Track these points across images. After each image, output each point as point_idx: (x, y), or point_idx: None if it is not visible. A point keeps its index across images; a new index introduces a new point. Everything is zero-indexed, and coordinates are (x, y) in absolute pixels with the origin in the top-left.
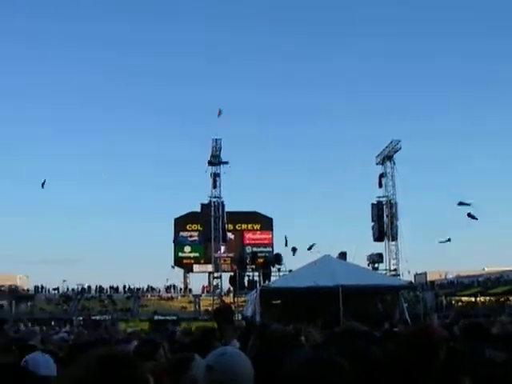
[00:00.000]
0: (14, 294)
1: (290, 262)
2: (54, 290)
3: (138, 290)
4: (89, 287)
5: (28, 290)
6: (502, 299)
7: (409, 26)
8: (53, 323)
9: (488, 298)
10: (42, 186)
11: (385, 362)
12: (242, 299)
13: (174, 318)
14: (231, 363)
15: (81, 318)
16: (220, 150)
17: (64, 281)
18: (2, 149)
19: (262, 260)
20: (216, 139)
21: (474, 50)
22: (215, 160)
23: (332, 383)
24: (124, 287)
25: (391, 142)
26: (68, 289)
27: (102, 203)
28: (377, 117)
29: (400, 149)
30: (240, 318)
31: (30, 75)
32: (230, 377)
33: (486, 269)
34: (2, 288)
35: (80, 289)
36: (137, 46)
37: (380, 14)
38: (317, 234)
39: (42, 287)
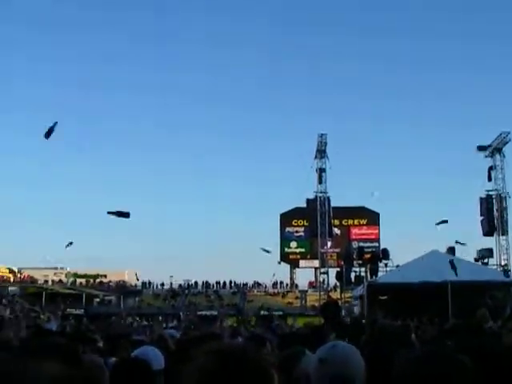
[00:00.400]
0: (122, 289)
1: (398, 257)
2: (161, 285)
3: (245, 285)
4: (195, 283)
5: (136, 286)
6: None
7: None
8: (160, 318)
9: None
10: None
11: (504, 356)
12: (349, 295)
13: (280, 313)
14: (344, 355)
15: (188, 314)
16: (325, 145)
17: (171, 276)
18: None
19: (368, 255)
20: (322, 134)
21: None
22: (321, 155)
23: (455, 380)
24: (230, 283)
25: (500, 134)
26: (172, 284)
27: (209, 199)
28: (485, 107)
29: (510, 141)
30: (346, 313)
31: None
32: (343, 369)
33: None
34: (111, 283)
35: (187, 284)
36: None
37: None
38: (424, 228)
39: (150, 283)
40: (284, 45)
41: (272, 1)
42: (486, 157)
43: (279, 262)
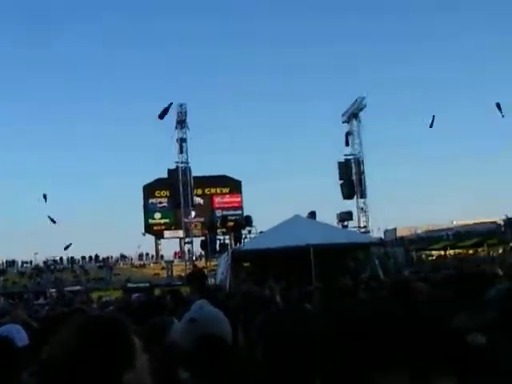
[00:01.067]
0: None
1: (261, 224)
2: (26, 263)
3: (110, 258)
4: (61, 258)
5: None
6: (472, 251)
7: None
8: (26, 296)
9: (458, 250)
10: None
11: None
12: (214, 263)
13: (147, 285)
14: (212, 315)
15: (54, 290)
16: (186, 115)
17: (36, 253)
18: None
19: (232, 223)
20: (181, 104)
21: None
22: (181, 125)
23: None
24: (96, 257)
25: (356, 100)
26: (32, 262)
27: (68, 172)
28: (342, 73)
29: (365, 106)
30: (213, 281)
31: None
32: (213, 329)
33: (454, 222)
34: None
35: (52, 260)
36: None
37: None
38: (285, 194)
39: (14, 261)
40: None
41: None
42: (344, 122)
43: (144, 234)
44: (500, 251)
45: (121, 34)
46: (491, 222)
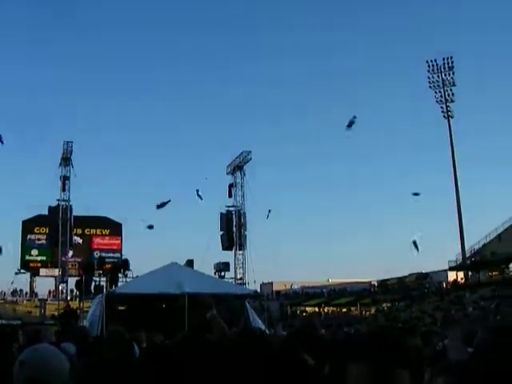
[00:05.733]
0: None
1: (139, 268)
2: None
3: None
4: None
5: None
6: (345, 309)
7: None
8: None
9: (332, 308)
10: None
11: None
12: (88, 304)
13: (19, 322)
14: (43, 359)
15: None
16: (71, 153)
17: None
18: None
19: (109, 265)
20: (67, 142)
21: None
22: (65, 162)
23: None
24: None
25: (242, 153)
26: None
27: None
28: (228, 126)
29: (250, 160)
30: (85, 322)
31: None
32: (43, 373)
33: (330, 280)
34: None
35: None
36: None
37: None
38: (165, 241)
39: None
40: None
41: None
42: (228, 174)
43: (19, 270)
44: (373, 311)
45: None
46: (365, 282)
